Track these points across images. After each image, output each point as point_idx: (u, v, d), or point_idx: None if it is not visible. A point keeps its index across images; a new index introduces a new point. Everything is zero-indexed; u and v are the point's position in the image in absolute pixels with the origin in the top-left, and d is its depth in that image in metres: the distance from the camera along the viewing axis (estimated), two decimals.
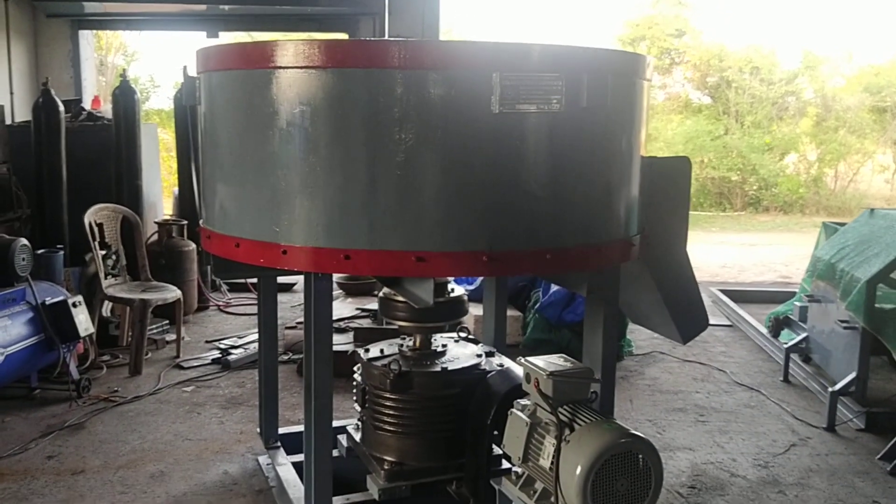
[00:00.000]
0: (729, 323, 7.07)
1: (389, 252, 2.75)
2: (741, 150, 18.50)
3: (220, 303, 7.28)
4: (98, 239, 5.50)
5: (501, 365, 3.67)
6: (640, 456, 2.82)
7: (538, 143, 2.79)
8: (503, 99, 2.66)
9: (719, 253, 11.88)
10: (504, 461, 3.60)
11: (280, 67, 2.81)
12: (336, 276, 7.35)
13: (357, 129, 2.73)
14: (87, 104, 7.77)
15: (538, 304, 5.98)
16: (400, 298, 3.51)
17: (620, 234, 3.08)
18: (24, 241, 4.52)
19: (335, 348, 5.24)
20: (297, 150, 2.80)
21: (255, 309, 7.14)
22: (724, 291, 7.86)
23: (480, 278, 5.67)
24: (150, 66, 26.51)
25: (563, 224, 2.88)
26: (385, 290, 3.71)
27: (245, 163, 2.96)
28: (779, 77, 19.60)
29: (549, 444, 2.94)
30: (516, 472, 3.21)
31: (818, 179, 19.10)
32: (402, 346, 3.75)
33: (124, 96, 6.73)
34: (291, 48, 2.78)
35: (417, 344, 3.70)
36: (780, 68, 19.83)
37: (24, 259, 4.49)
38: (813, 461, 4.26)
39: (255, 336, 6.10)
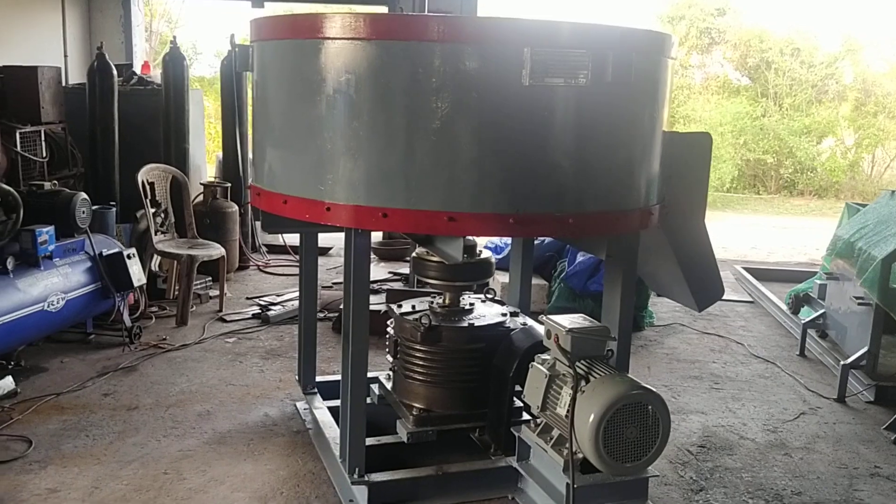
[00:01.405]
0: (750, 299, 7.23)
1: (424, 212, 2.99)
2: (778, 133, 18.37)
3: (260, 263, 7.62)
4: (149, 197, 5.82)
5: (524, 324, 3.92)
6: (650, 407, 3.07)
7: (564, 115, 3.00)
8: (533, 72, 2.87)
9: (750, 235, 11.93)
10: (523, 412, 3.86)
11: (328, 38, 3.05)
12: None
13: (397, 97, 2.97)
14: (136, 69, 8.08)
15: (564, 274, 6.19)
16: (433, 258, 3.77)
17: (640, 203, 3.28)
18: (83, 195, 4.85)
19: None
20: (342, 115, 3.04)
21: (292, 270, 7.50)
22: (747, 269, 8.00)
23: (507, 248, 5.90)
24: (192, 33, 26.86)
25: (586, 191, 3.10)
26: (418, 250, 3.97)
27: (294, 126, 3.21)
28: (819, 60, 19.36)
29: (566, 394, 3.20)
30: (535, 421, 3.48)
31: (855, 164, 18.91)
32: (432, 303, 4.01)
33: (174, 62, 7.02)
34: (339, 20, 3.02)
35: (447, 301, 3.95)
36: (821, 51, 19.57)
37: (83, 212, 4.82)
38: (820, 428, 4.46)
39: (293, 294, 6.43)
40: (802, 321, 5.86)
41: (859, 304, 4.94)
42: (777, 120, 18.75)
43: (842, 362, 4.89)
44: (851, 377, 4.92)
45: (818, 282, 5.99)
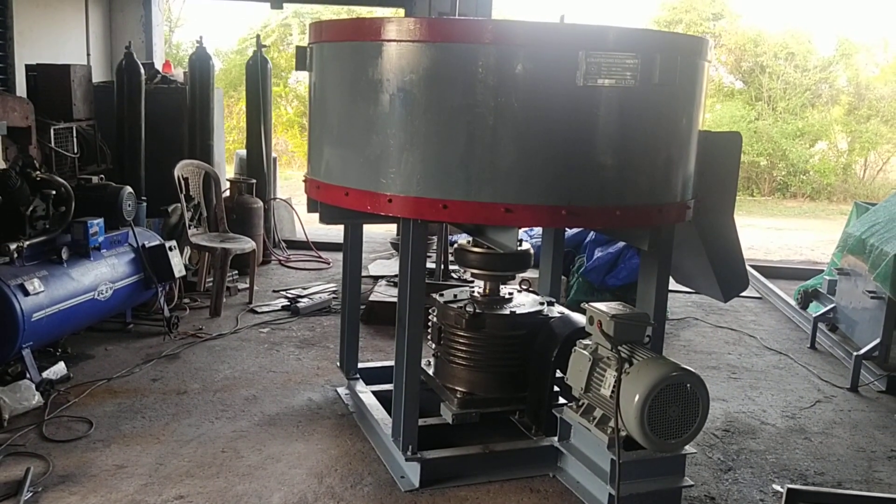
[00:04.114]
0: (759, 295, 7.47)
1: (481, 203, 3.20)
2: (772, 136, 18.68)
3: (281, 258, 7.79)
4: (184, 192, 5.98)
5: (562, 312, 4.12)
6: (690, 387, 3.27)
7: (614, 113, 3.21)
8: (587, 74, 3.08)
9: (745, 236, 12.16)
10: (559, 397, 4.06)
11: (390, 41, 3.24)
12: (390, 238, 7.83)
13: (457, 95, 3.17)
14: (158, 68, 8.22)
15: (582, 269, 6.40)
16: (475, 249, 3.98)
17: (678, 197, 3.50)
18: (129, 189, 5.02)
19: (390, 300, 5.77)
20: (405, 112, 3.24)
21: (312, 265, 7.69)
22: (754, 267, 8.24)
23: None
24: (192, 33, 26.95)
25: (631, 185, 3.32)
26: (460, 241, 4.17)
27: (356, 122, 3.40)
28: (813, 64, 19.70)
29: (610, 376, 3.40)
30: (577, 402, 3.68)
31: (847, 167, 19.26)
32: (472, 292, 4.21)
33: (200, 61, 7.18)
34: (402, 24, 3.22)
35: (487, 290, 4.15)
36: (815, 55, 19.91)
37: (129, 205, 4.99)
38: (837, 415, 4.69)
39: (319, 287, 6.63)
40: (812, 315, 6.09)
41: (871, 297, 5.18)
42: (771, 123, 19.07)
43: (855, 353, 5.12)
44: (863, 368, 5.15)
45: (828, 277, 6.23)
